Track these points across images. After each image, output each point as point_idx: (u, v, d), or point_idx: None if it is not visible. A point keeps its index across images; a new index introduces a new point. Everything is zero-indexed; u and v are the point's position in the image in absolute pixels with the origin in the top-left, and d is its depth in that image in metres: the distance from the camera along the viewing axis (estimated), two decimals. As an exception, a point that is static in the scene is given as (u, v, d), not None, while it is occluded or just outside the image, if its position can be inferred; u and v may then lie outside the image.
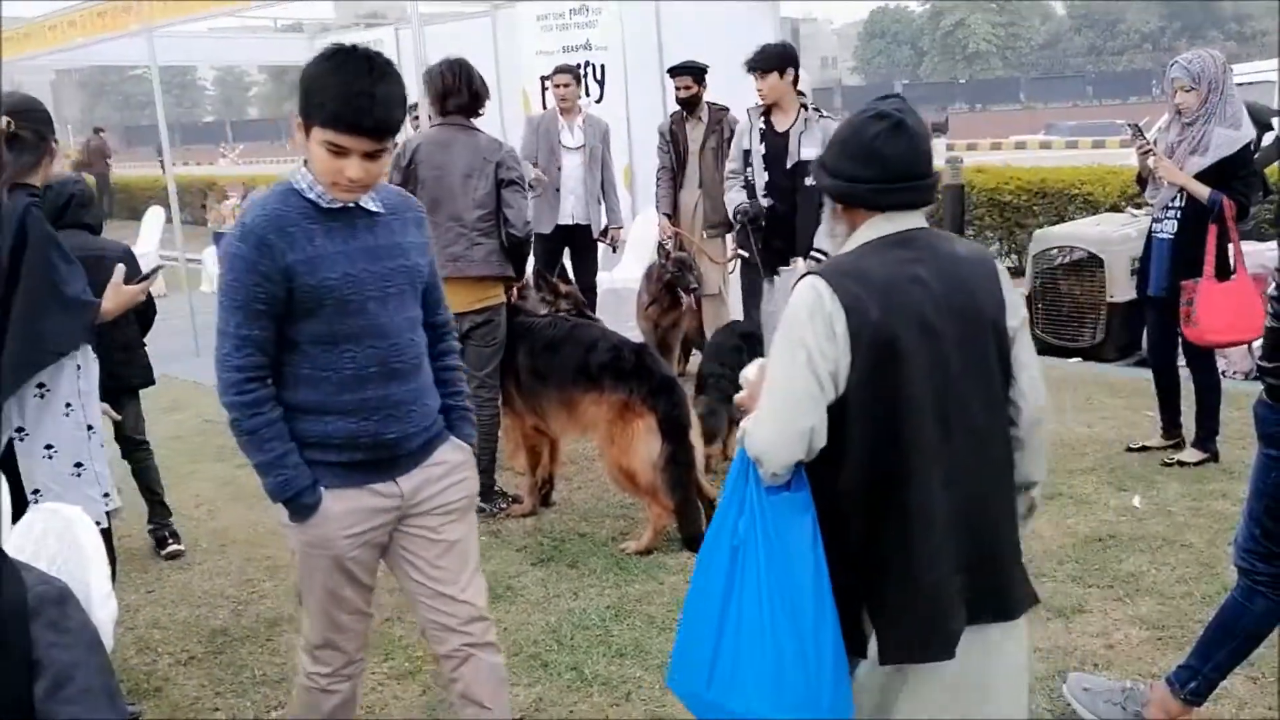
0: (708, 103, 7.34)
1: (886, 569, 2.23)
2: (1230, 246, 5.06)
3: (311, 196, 2.59)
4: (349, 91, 2.43)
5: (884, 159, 2.25)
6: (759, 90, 5.99)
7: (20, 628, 1.51)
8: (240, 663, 4.06)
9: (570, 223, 7.66)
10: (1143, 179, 5.49)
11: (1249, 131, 5.03)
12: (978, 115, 50.35)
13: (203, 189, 19.78)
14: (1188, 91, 5.02)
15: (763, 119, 6.08)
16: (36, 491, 3.43)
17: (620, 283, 8.47)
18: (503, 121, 9.79)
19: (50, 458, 3.46)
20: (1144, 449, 5.58)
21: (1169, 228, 5.25)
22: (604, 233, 7.85)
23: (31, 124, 3.46)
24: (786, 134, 5.98)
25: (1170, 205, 5.23)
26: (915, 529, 2.21)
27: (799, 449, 2.16)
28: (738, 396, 2.52)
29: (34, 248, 3.27)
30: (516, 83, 10.14)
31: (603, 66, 9.65)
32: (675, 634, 3.94)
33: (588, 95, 9.79)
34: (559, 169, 7.59)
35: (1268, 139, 8.25)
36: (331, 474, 2.67)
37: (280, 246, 2.53)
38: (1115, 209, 9.39)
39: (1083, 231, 8.00)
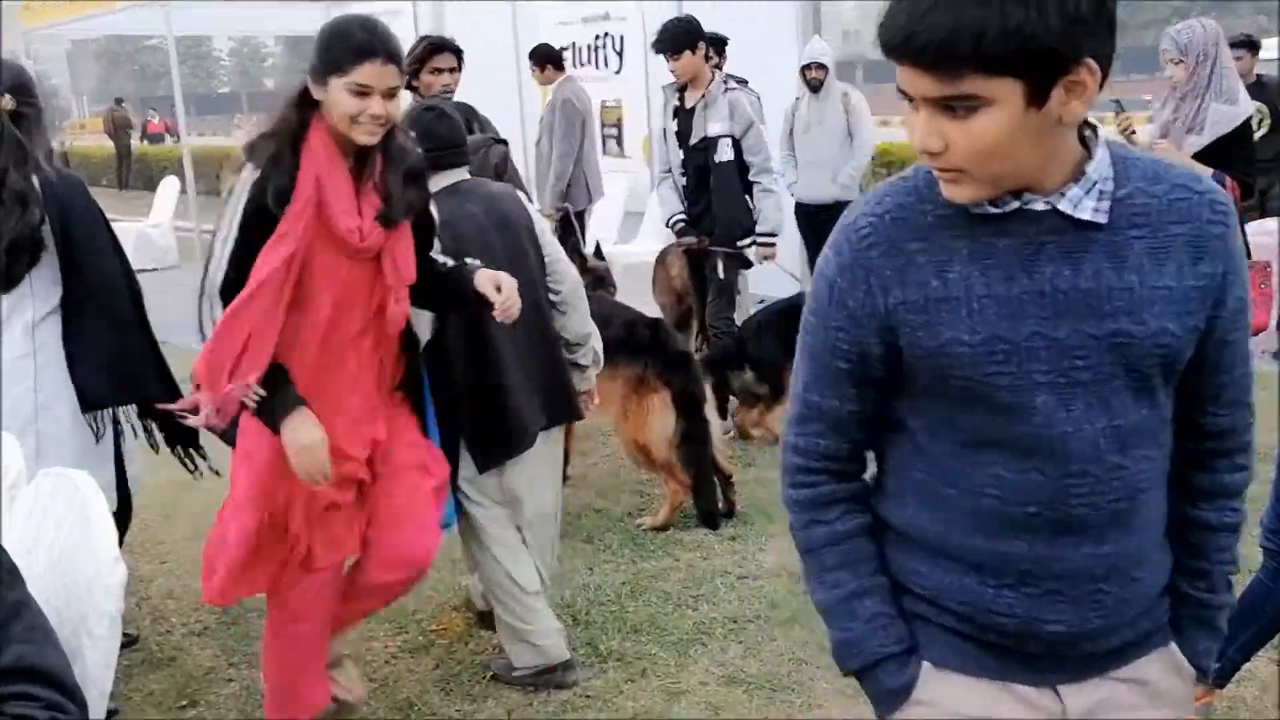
0: (728, 75, 7.26)
1: (481, 400, 3.35)
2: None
3: None
4: None
5: (438, 136, 3.35)
6: (672, 70, 5.87)
7: None
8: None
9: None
10: None
11: (1247, 107, 4.80)
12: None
13: (218, 159, 19.76)
14: (1176, 64, 4.79)
15: (677, 96, 6.01)
16: None
17: (639, 256, 8.42)
18: (521, 92, 9.76)
19: None
20: None
21: None
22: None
23: (27, 96, 3.28)
24: (693, 110, 5.89)
25: None
26: (495, 370, 3.35)
27: (426, 330, 3.22)
28: None
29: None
30: (535, 55, 10.08)
31: (622, 37, 9.60)
32: (691, 610, 3.95)
33: (606, 66, 9.75)
34: None
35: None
36: (947, 645, 1.57)
37: (885, 273, 1.47)
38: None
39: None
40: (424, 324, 3.18)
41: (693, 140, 5.87)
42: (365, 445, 2.94)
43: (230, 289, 2.65)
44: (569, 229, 8.07)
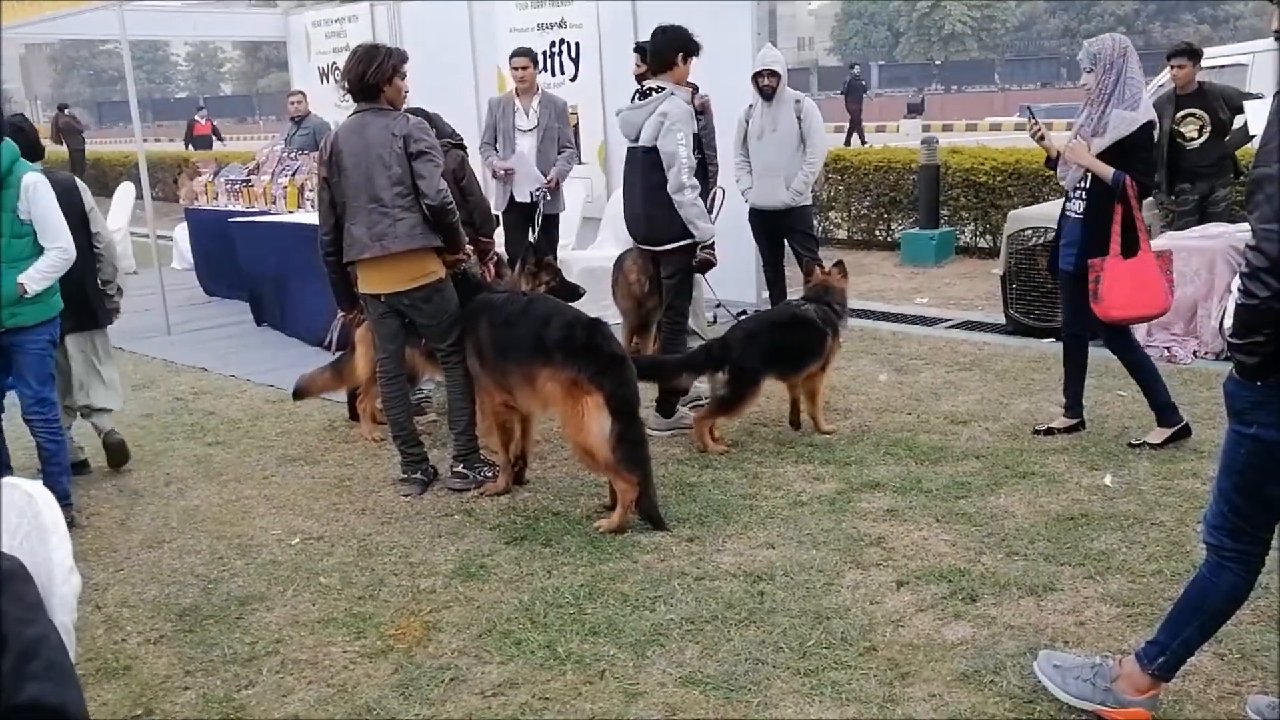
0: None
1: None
2: (1136, 223, 5.21)
3: None
4: None
5: (24, 133, 5.28)
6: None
7: None
8: (210, 641, 4.04)
9: (528, 201, 8.08)
10: (1051, 159, 5.66)
11: (1148, 113, 5.17)
12: (953, 97, 50.36)
13: (176, 164, 19.59)
14: (1088, 73, 5.24)
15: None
16: None
17: (597, 261, 8.44)
18: (478, 98, 9.75)
19: None
20: (1050, 431, 5.75)
21: (1078, 207, 5.43)
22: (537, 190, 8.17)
23: None
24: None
25: (1079, 185, 5.40)
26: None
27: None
28: None
29: None
30: (493, 59, 10.08)
31: (577, 45, 9.60)
32: (649, 611, 3.97)
33: (562, 73, 9.76)
34: (513, 150, 8.10)
35: (1237, 122, 8.32)
36: None
37: None
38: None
39: (1056, 212, 7.99)
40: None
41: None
42: None
43: None
44: (531, 222, 8.18)
